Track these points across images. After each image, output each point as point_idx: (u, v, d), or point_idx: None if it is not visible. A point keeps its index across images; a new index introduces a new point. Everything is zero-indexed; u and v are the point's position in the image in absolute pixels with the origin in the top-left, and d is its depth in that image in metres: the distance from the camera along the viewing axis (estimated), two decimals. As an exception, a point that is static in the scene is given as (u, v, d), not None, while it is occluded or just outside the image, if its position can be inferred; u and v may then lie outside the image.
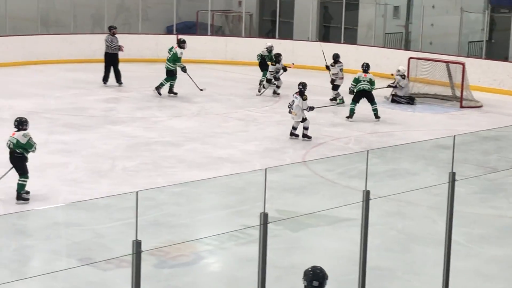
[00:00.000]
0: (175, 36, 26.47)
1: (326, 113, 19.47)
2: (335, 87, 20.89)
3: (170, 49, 21.14)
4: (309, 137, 16.65)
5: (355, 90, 19.05)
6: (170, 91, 21.07)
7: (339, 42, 26.34)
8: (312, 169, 14.50)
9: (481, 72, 23.29)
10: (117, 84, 22.20)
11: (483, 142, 16.55)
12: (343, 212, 11.37)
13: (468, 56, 24.54)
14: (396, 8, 27.63)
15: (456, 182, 7.15)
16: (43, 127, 17.00)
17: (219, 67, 26.11)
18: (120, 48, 22.19)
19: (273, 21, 28.56)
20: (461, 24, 25.24)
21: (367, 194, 6.32)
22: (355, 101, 18.97)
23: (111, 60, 22.30)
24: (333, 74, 20.90)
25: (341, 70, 20.90)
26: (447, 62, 22.12)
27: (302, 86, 16.65)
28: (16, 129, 12.27)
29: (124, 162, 14.69)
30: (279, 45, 24.34)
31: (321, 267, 6.64)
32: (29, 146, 12.14)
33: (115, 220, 11.34)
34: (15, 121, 12.46)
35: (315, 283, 6.57)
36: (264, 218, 5.64)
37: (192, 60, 25.48)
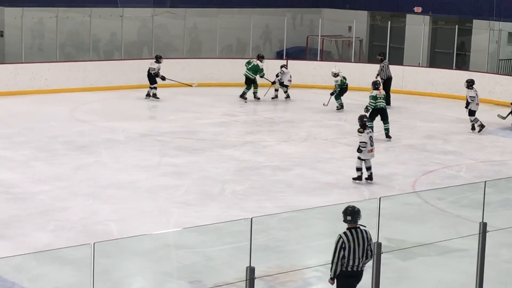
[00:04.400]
0: (285, 61, 26.68)
1: (437, 140, 19.19)
2: (471, 113, 20.10)
3: (249, 62, 24.07)
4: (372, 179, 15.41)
5: (371, 108, 19.13)
6: (255, 96, 23.92)
7: (450, 68, 25.97)
8: (422, 197, 14.28)
9: None
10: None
11: None
12: (454, 242, 11.13)
13: None
14: (510, 34, 27.03)
15: None
16: (155, 150, 17.39)
17: (329, 92, 26.03)
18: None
19: (384, 46, 28.41)
20: None
21: (484, 226, 6.18)
22: (372, 119, 18.99)
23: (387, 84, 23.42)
24: (470, 97, 20.01)
25: (477, 95, 20.05)
26: None
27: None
28: None
29: (233, 185, 14.84)
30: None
31: (353, 206, 8.56)
32: None
33: (224, 243, 11.44)
34: None
35: (348, 218, 8.55)
36: (378, 248, 5.60)
37: (301, 85, 25.58)
